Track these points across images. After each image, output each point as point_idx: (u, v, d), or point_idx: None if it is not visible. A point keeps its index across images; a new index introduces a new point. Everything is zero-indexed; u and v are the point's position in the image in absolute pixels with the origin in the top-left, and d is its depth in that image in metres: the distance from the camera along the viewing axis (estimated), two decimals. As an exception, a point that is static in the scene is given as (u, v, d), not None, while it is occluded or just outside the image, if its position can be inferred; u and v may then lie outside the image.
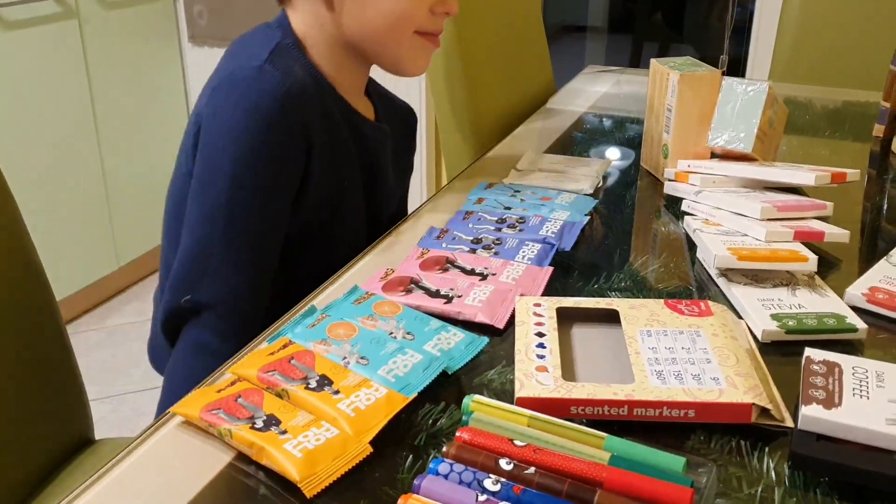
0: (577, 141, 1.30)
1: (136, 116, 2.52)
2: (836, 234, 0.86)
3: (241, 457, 0.57)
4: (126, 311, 2.51)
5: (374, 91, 1.05)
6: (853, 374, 0.61)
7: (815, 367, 0.62)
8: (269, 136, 0.84)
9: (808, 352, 0.64)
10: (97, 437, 1.00)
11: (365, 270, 0.85)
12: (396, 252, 0.89)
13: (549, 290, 0.81)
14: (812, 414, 0.57)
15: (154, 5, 2.56)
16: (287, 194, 0.88)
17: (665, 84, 1.05)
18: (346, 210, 0.94)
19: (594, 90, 1.62)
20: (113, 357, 2.27)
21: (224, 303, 0.86)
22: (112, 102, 2.42)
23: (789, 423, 0.61)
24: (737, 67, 2.59)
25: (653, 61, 1.09)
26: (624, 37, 4.16)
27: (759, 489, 0.56)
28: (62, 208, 2.32)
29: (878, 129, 1.30)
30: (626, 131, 1.36)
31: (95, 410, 1.99)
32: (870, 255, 0.92)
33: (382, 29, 0.90)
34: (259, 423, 0.58)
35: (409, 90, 2.59)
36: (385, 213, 1.05)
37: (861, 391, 0.59)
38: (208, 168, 0.85)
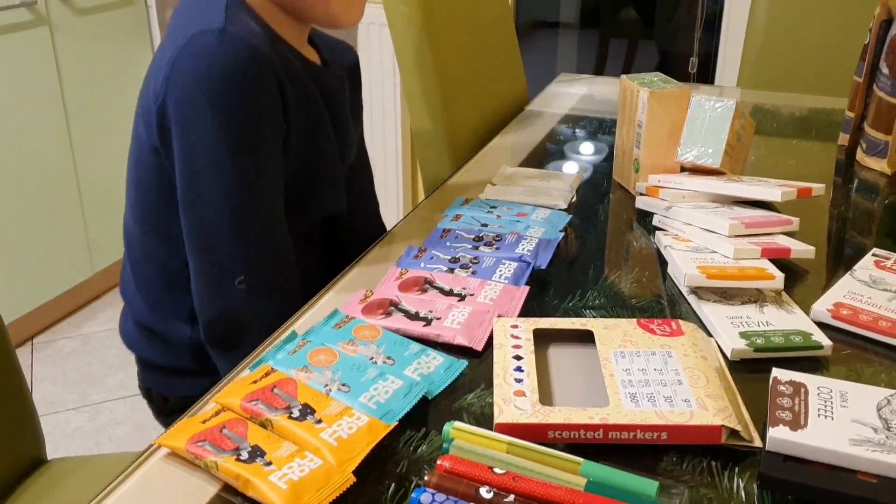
0: (550, 153, 1.32)
1: (109, 123, 2.51)
2: (802, 250, 0.88)
3: (228, 488, 0.59)
4: (101, 318, 2.50)
5: (314, 36, 1.05)
6: (818, 394, 0.64)
7: (782, 387, 0.65)
8: (251, 97, 0.82)
9: (776, 372, 0.67)
10: (85, 443, 1.00)
11: (345, 291, 0.87)
12: (375, 272, 0.91)
13: (526, 310, 0.83)
14: (779, 436, 0.59)
15: (125, 11, 2.55)
16: (280, 149, 0.88)
17: (635, 100, 1.08)
18: (322, 163, 0.96)
19: (566, 99, 1.64)
20: (89, 365, 2.26)
21: (272, 269, 0.89)
22: (85, 109, 2.41)
23: (758, 443, 0.63)
24: (706, 67, 2.63)
25: (623, 78, 1.11)
26: (596, 32, 4.18)
27: (730, 509, 0.58)
28: (36, 215, 2.31)
29: (843, 138, 1.33)
30: (599, 143, 1.38)
31: (73, 419, 1.99)
32: (836, 266, 0.94)
33: None
34: (244, 455, 0.59)
35: (385, 103, 2.60)
36: (348, 160, 1.06)
37: (826, 412, 0.62)
38: (203, 148, 0.83)
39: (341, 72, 1.04)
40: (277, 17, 0.92)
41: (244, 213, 0.86)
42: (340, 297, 0.85)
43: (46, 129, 2.30)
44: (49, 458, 1.02)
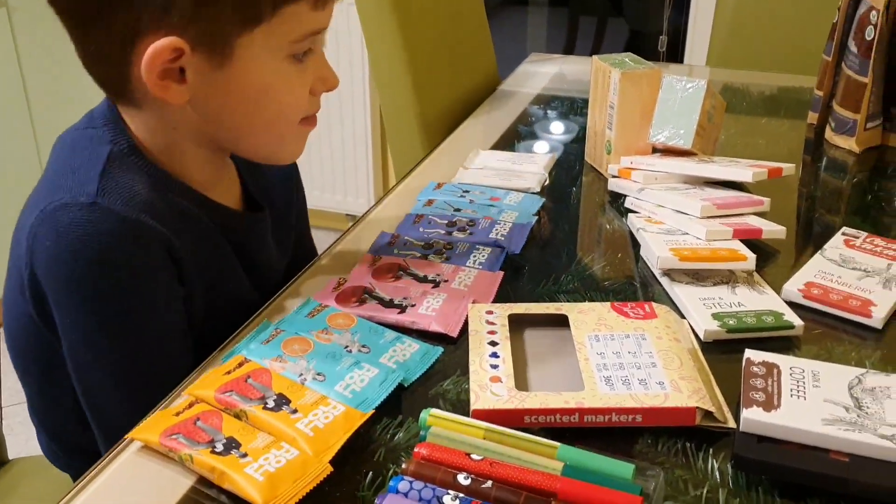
0: (522, 135, 1.32)
1: (72, 105, 2.45)
2: (773, 230, 0.89)
3: (203, 481, 0.58)
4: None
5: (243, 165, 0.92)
6: (791, 374, 0.64)
7: (755, 368, 0.65)
8: (127, 281, 0.72)
9: (749, 353, 0.67)
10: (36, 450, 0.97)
11: (318, 279, 0.86)
12: (348, 259, 0.90)
13: (501, 295, 0.83)
14: (752, 417, 0.60)
15: (88, -8, 2.49)
16: (174, 310, 0.77)
17: (607, 81, 1.07)
18: (226, 300, 0.84)
19: (538, 79, 1.64)
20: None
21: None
22: (46, 92, 2.36)
23: (732, 423, 0.64)
24: (676, 45, 2.63)
25: (594, 58, 1.11)
26: (566, 10, 4.17)
27: (705, 490, 0.59)
28: None
29: (812, 117, 1.34)
30: (571, 123, 1.38)
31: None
32: (806, 245, 0.95)
33: (262, 128, 0.78)
34: (219, 447, 0.58)
35: (354, 86, 2.58)
36: (271, 282, 0.90)
37: (798, 392, 0.62)
38: (80, 335, 0.74)
39: (264, 189, 0.92)
40: (188, 157, 0.79)
41: (131, 387, 0.76)
42: (314, 286, 0.85)
43: (7, 113, 2.26)
44: (19, 449, 1.01)
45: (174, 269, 0.76)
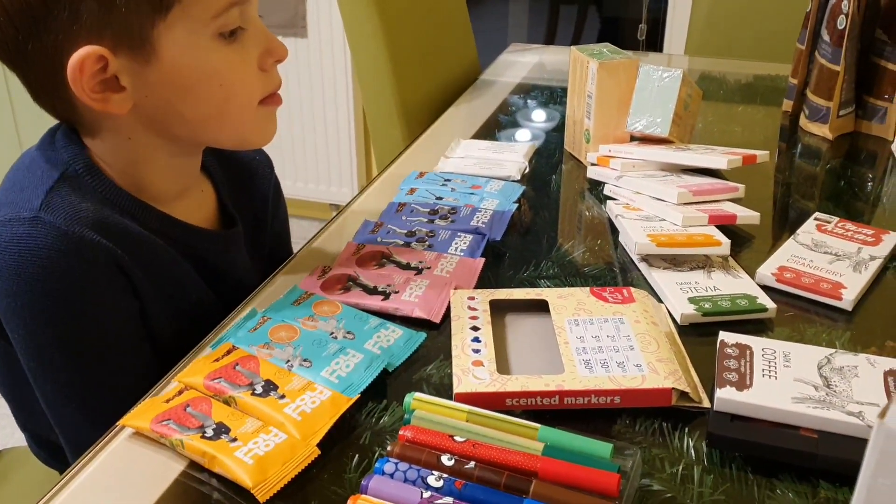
0: (503, 124, 1.33)
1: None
2: (747, 216, 0.91)
3: (194, 465, 0.60)
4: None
5: (214, 160, 0.90)
6: (763, 355, 0.67)
7: (729, 350, 0.68)
8: (73, 297, 0.71)
9: (723, 335, 0.69)
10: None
11: (302, 267, 0.88)
12: (332, 247, 0.91)
13: (482, 281, 0.84)
14: (726, 396, 0.62)
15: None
16: (129, 324, 0.76)
17: (585, 71, 1.09)
18: (192, 315, 0.82)
19: (518, 69, 1.66)
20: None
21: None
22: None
23: (706, 403, 0.66)
24: (655, 33, 2.65)
25: (573, 49, 1.13)
26: (546, -1, 4.18)
27: (680, 468, 0.61)
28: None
29: (787, 105, 1.36)
30: (551, 112, 1.39)
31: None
32: (780, 230, 0.98)
33: (216, 116, 0.76)
34: (209, 432, 0.60)
35: (336, 77, 2.58)
36: (244, 295, 0.85)
37: (770, 372, 0.65)
38: (32, 350, 0.73)
39: (238, 198, 0.91)
40: (148, 172, 0.78)
41: (84, 400, 0.75)
42: (299, 274, 0.86)
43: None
44: (7, 440, 1.01)
45: (125, 282, 0.74)
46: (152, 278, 0.76)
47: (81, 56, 0.68)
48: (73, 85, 0.69)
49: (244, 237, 0.90)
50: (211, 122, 0.76)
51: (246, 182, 0.93)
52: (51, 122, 0.77)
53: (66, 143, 0.76)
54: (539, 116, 1.38)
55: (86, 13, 0.67)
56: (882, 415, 0.31)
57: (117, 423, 0.63)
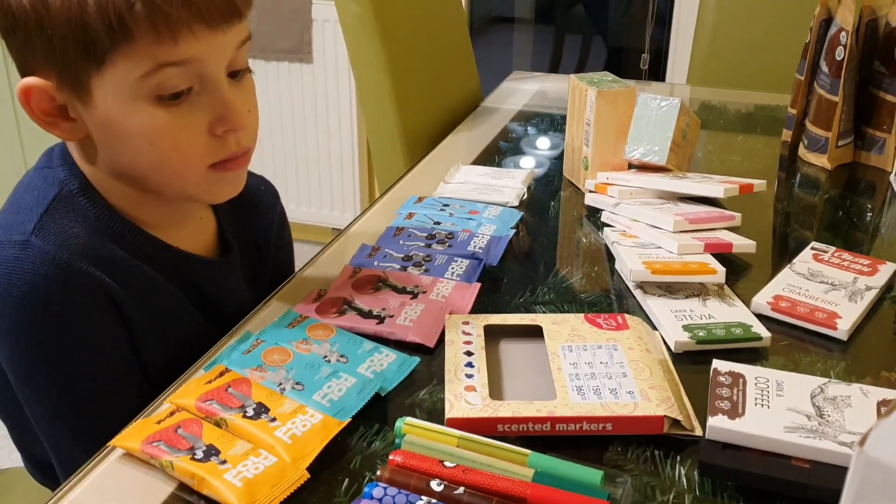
0: (502, 151, 1.34)
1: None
2: (743, 245, 0.91)
3: (184, 487, 0.59)
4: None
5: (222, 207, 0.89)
6: (755, 384, 0.67)
7: (722, 378, 0.67)
8: (59, 323, 0.71)
9: (716, 364, 0.69)
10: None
11: (298, 290, 0.88)
12: (329, 271, 0.92)
13: (478, 306, 0.84)
14: (718, 424, 0.62)
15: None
16: (117, 352, 0.76)
17: (584, 99, 1.10)
18: (182, 342, 0.81)
19: (520, 96, 1.67)
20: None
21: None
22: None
23: (699, 431, 0.66)
24: (658, 63, 2.67)
25: (572, 77, 1.14)
26: (551, 28, 4.21)
27: (672, 496, 0.60)
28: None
29: (786, 135, 1.37)
30: (550, 140, 1.40)
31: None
32: (777, 259, 0.98)
33: (156, 171, 0.74)
34: (199, 454, 0.60)
35: (341, 103, 2.60)
36: (237, 320, 0.84)
37: (762, 401, 0.64)
38: (18, 370, 0.74)
39: (242, 225, 0.92)
40: (133, 196, 0.78)
41: (70, 423, 0.76)
42: (294, 297, 0.86)
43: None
44: (2, 462, 1.01)
45: (113, 311, 0.74)
46: (142, 307, 0.76)
47: (28, 84, 0.70)
48: (23, 106, 0.71)
49: (245, 266, 0.90)
50: (150, 175, 0.75)
51: (249, 211, 0.92)
52: (53, 140, 0.79)
53: (61, 162, 0.77)
54: (539, 143, 1.39)
55: (37, 45, 0.69)
56: (862, 442, 0.31)
57: (108, 444, 0.63)
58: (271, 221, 0.96)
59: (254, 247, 0.93)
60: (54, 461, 0.78)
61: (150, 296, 0.78)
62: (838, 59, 1.21)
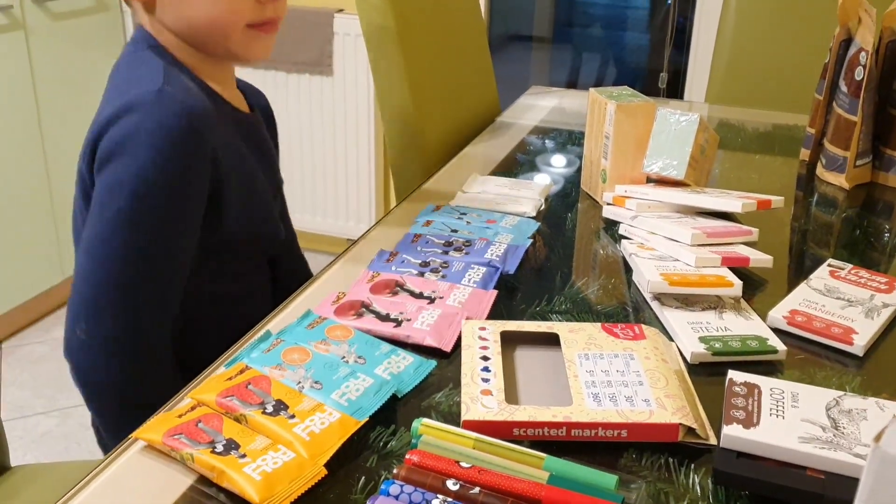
0: (520, 163, 1.35)
1: (82, 128, 2.50)
2: (760, 259, 0.92)
3: (203, 479, 0.60)
4: (71, 323, 2.49)
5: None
6: (771, 394, 0.67)
7: (737, 388, 0.68)
8: (173, 157, 0.82)
9: (731, 374, 0.70)
10: (54, 447, 0.99)
11: (318, 293, 0.89)
12: (347, 275, 0.93)
13: (494, 313, 0.85)
14: (732, 433, 0.62)
15: (100, 17, 2.55)
16: (193, 216, 0.87)
17: (603, 113, 1.11)
18: (259, 204, 0.96)
19: (537, 111, 1.68)
20: (59, 370, 2.25)
21: (118, 341, 0.84)
22: (58, 113, 2.41)
23: (713, 440, 0.66)
24: (676, 82, 2.68)
25: (591, 91, 1.15)
26: (569, 46, 4.24)
27: (685, 503, 0.61)
28: (7, 219, 2.30)
29: (804, 154, 1.37)
30: (568, 154, 1.41)
31: (41, 423, 1.98)
32: (794, 276, 0.98)
33: (205, 29, 0.90)
34: (219, 448, 0.61)
35: (359, 115, 2.63)
36: (280, 195, 1.07)
37: (777, 411, 0.65)
38: (107, 190, 0.83)
39: (260, 115, 1.07)
40: (204, 66, 0.94)
41: (124, 277, 0.84)
42: (314, 299, 0.87)
43: (19, 133, 2.30)
44: (16, 463, 1.02)
45: (211, 168, 0.86)
46: (229, 162, 0.89)
47: None
48: None
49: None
50: (204, 30, 0.90)
51: (252, 101, 1.07)
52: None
53: (147, 46, 0.91)
54: (556, 156, 1.40)
55: None
56: (877, 438, 0.31)
57: (130, 436, 0.64)
58: (271, 115, 1.13)
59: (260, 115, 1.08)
60: (71, 296, 0.86)
61: (239, 159, 0.93)
62: (857, 79, 1.22)
